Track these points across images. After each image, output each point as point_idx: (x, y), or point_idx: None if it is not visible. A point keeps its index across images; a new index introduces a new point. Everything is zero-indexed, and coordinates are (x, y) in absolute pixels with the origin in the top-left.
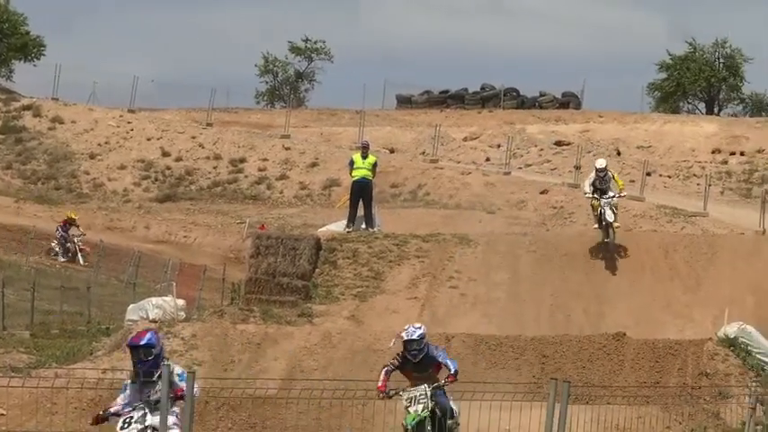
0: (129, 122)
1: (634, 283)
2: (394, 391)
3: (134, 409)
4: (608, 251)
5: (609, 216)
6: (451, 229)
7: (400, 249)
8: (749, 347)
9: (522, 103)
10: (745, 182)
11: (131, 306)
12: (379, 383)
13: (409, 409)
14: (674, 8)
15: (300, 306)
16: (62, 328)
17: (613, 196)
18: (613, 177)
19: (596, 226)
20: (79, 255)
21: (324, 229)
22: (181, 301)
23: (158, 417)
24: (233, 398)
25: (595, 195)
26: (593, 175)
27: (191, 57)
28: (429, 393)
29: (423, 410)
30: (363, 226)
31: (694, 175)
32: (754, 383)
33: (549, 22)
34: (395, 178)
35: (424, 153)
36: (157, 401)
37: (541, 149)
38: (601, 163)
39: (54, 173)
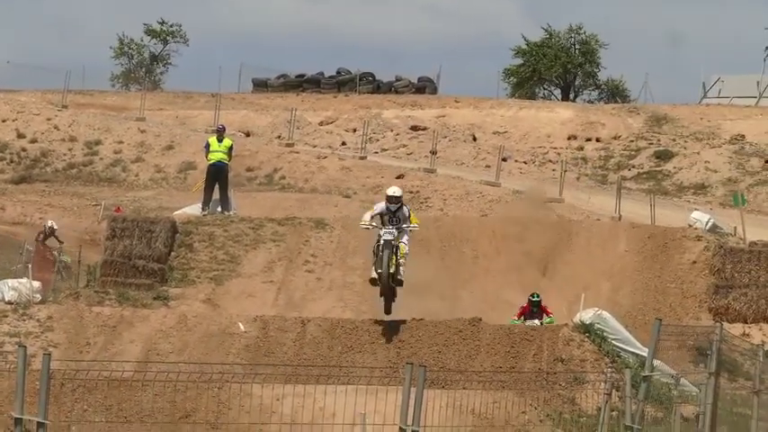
0: None
1: (490, 269)
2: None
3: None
4: (463, 239)
5: (387, 264)
6: (307, 214)
7: (256, 233)
8: (604, 333)
9: (378, 87)
10: (600, 168)
11: None
12: (365, 218)
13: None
14: None
15: (156, 289)
16: None
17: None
18: (409, 215)
19: (372, 275)
20: None
21: (180, 212)
22: (36, 284)
23: None
24: (88, 380)
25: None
26: (382, 204)
27: (46, 38)
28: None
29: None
30: (219, 209)
31: (550, 161)
32: (609, 369)
33: (406, 6)
34: (251, 162)
35: (279, 137)
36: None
37: (397, 134)
38: (394, 190)
39: None
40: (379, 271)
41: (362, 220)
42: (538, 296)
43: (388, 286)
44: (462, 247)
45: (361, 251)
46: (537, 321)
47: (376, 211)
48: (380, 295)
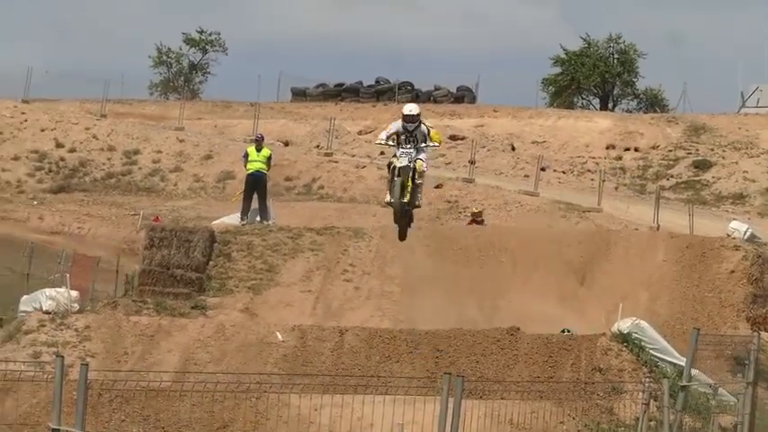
0: (23, 113)
1: (528, 278)
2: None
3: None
4: (502, 248)
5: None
6: (346, 223)
7: (294, 242)
8: (642, 343)
9: (417, 96)
10: (639, 178)
11: (24, 297)
12: (381, 137)
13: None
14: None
15: (194, 298)
16: None
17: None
18: (428, 133)
19: (386, 199)
20: None
21: (218, 221)
22: (74, 293)
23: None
24: (126, 390)
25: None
26: (399, 123)
27: (85, 47)
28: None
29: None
30: (258, 219)
31: (588, 170)
32: (647, 379)
33: (444, 15)
34: (289, 171)
35: (318, 146)
36: None
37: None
38: (410, 108)
39: None
40: (392, 200)
41: (378, 138)
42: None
43: (402, 214)
44: (501, 257)
45: (400, 260)
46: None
47: (392, 130)
48: (394, 222)
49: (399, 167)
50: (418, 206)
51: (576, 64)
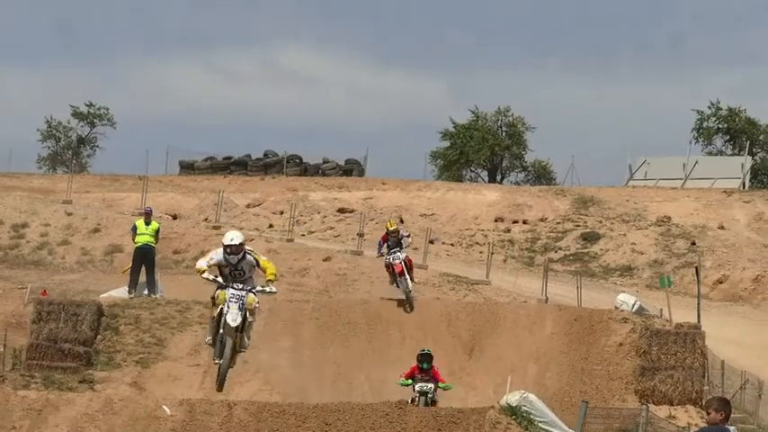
0: None
1: (416, 351)
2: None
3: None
4: (391, 321)
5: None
6: None
7: (183, 315)
8: (531, 416)
9: (306, 170)
10: (527, 250)
11: None
12: (201, 265)
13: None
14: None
15: (82, 372)
16: None
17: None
18: (257, 263)
19: (207, 341)
20: None
21: (106, 295)
22: None
23: None
24: None
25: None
26: (220, 252)
27: None
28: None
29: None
30: (146, 292)
31: (477, 243)
32: None
33: (333, 88)
34: (178, 244)
35: (207, 219)
36: None
37: (325, 216)
38: (231, 237)
39: None
40: (217, 360)
41: (198, 267)
42: (428, 351)
43: (225, 371)
44: (389, 329)
45: (288, 333)
46: (431, 385)
47: (213, 260)
48: (217, 376)
49: (228, 325)
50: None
51: (464, 137)
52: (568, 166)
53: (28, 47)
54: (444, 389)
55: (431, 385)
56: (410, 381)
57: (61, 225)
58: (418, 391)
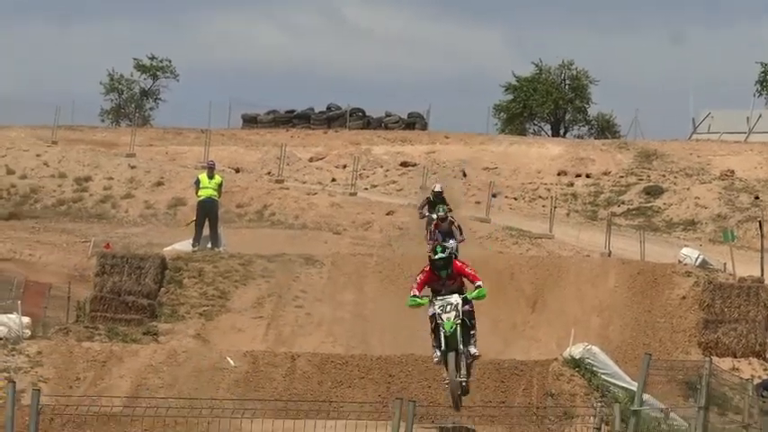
0: None
1: (480, 304)
2: None
3: None
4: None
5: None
6: (297, 250)
7: (246, 269)
8: (594, 368)
9: (368, 123)
10: (590, 204)
11: None
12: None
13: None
14: (519, 29)
15: (146, 324)
16: None
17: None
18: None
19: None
20: None
21: (169, 248)
22: (26, 319)
23: None
24: (78, 415)
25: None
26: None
27: (35, 73)
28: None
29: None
30: (209, 245)
31: (540, 197)
32: (598, 404)
33: (395, 42)
34: (240, 198)
35: (269, 173)
36: None
37: (387, 170)
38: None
39: None
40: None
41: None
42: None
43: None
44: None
45: (351, 287)
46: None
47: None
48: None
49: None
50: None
51: (527, 90)
52: (632, 120)
53: None
54: (478, 297)
55: (455, 299)
56: (424, 298)
57: (124, 178)
58: (440, 310)
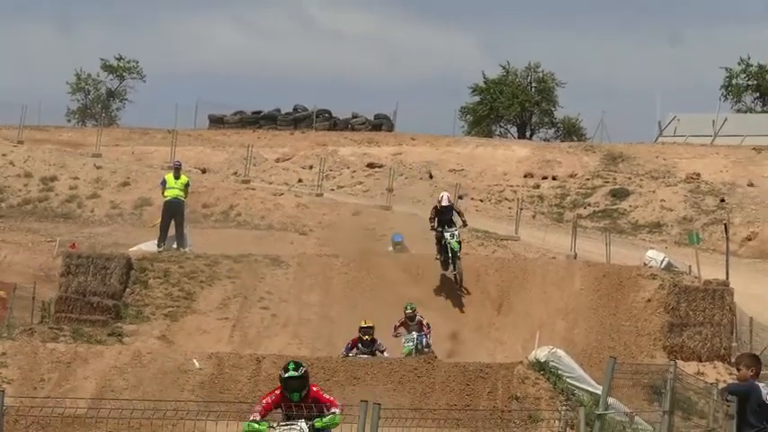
0: None
1: (445, 306)
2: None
3: None
4: (417, 275)
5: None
6: (263, 250)
7: (211, 270)
8: (559, 371)
9: (335, 124)
10: (556, 206)
11: None
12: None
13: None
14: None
15: (111, 325)
16: None
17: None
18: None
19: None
20: None
21: (135, 248)
22: None
23: None
24: (42, 416)
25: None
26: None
27: (0, 72)
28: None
29: None
30: (175, 246)
31: (506, 198)
32: (563, 407)
33: (363, 44)
34: (206, 198)
35: (236, 173)
36: None
37: (354, 171)
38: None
39: None
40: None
41: None
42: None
43: None
44: (418, 284)
45: (317, 288)
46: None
47: None
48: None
49: None
50: None
51: (494, 93)
52: (598, 123)
53: None
54: (329, 425)
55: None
56: (263, 424)
57: (90, 178)
58: None
